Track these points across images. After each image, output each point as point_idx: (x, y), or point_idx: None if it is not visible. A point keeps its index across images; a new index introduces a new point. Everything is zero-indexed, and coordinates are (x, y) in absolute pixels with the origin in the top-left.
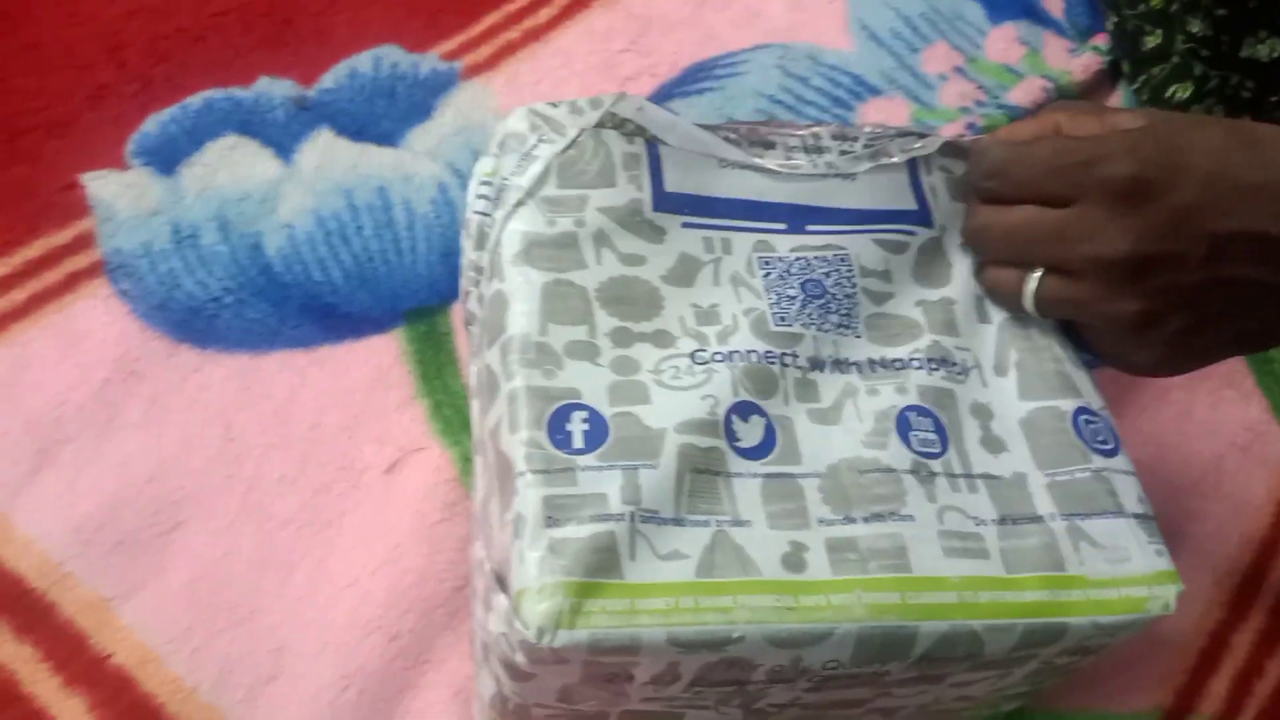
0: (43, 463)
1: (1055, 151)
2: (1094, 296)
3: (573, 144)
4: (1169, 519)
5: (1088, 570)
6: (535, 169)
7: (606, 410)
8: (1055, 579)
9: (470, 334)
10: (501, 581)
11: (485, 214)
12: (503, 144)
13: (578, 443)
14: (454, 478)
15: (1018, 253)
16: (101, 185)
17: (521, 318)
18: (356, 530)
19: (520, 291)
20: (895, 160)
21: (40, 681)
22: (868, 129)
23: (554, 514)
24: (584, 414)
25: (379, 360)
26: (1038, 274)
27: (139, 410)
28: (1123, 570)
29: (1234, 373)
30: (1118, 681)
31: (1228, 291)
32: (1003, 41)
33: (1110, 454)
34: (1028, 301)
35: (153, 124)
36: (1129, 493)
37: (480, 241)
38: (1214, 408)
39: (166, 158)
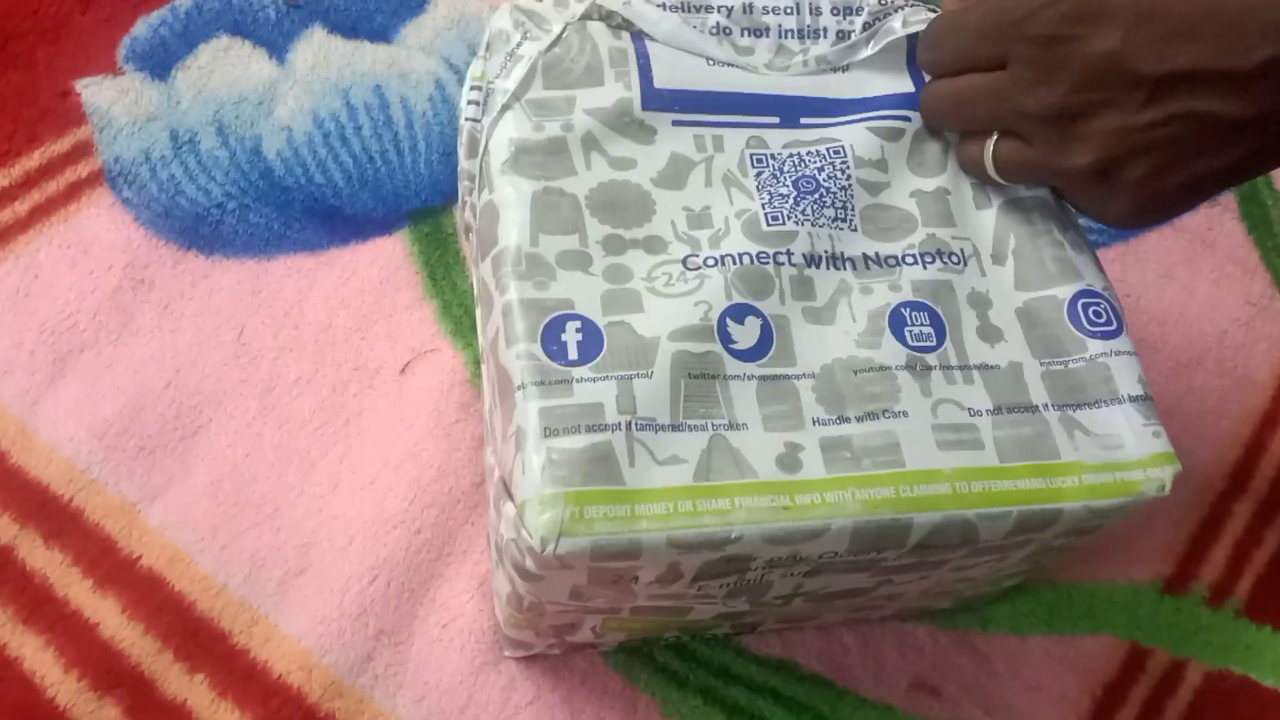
0: (60, 371)
1: (983, 15)
2: (1045, 155)
3: (557, 41)
4: (1172, 395)
5: (1082, 456)
6: (520, 70)
7: (600, 320)
8: (1049, 466)
9: (468, 241)
10: (507, 489)
11: (475, 120)
12: (489, 45)
13: (572, 354)
14: (466, 379)
15: (965, 120)
16: (96, 91)
17: (513, 229)
18: (374, 428)
19: (510, 202)
20: (898, 34)
21: (72, 585)
22: (873, 1)
23: (552, 424)
24: (577, 324)
25: (385, 261)
26: (993, 139)
27: (151, 317)
28: (1117, 455)
29: (1237, 248)
30: (1119, 552)
31: (1183, 129)
32: None
33: (1111, 335)
34: (989, 169)
35: (143, 26)
36: (1127, 375)
37: (472, 149)
38: (1217, 284)
39: (159, 61)
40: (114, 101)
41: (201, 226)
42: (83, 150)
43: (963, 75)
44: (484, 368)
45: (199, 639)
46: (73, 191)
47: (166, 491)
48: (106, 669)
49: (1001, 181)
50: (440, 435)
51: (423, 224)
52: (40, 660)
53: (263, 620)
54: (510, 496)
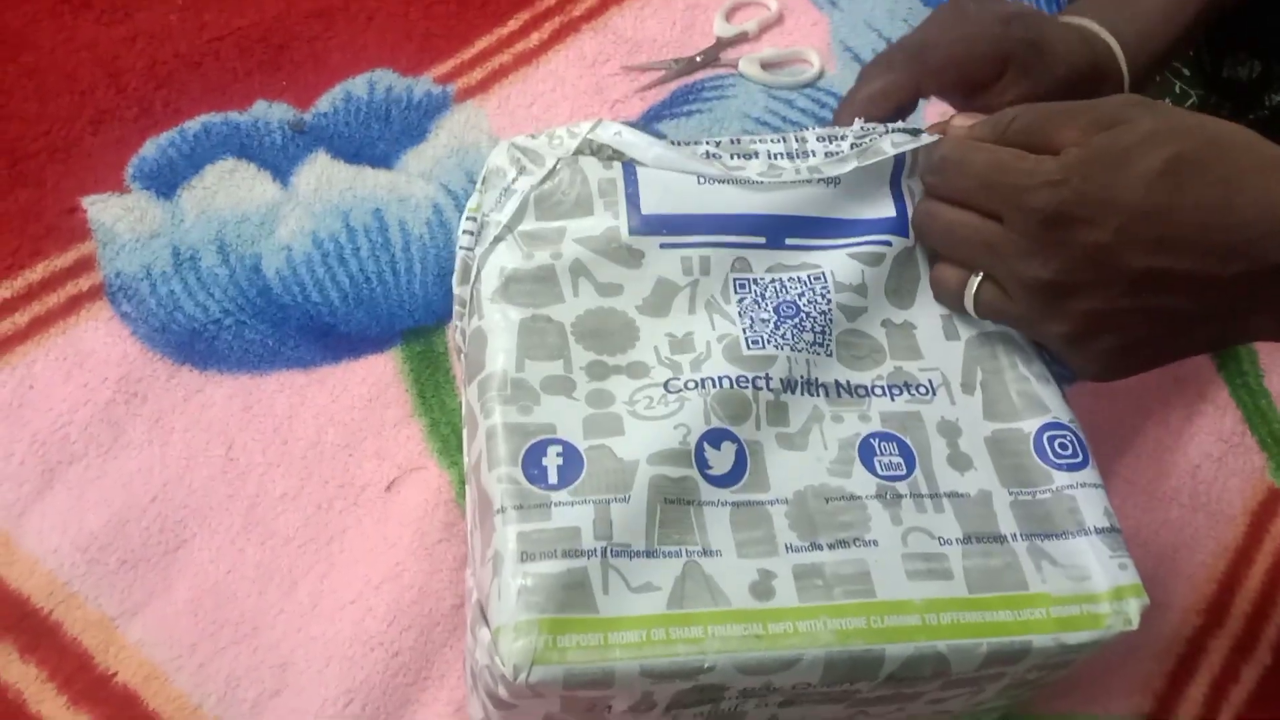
0: (48, 483)
1: (989, 166)
2: (1025, 312)
3: (550, 175)
4: (1147, 528)
5: (1049, 588)
6: (513, 203)
7: (581, 444)
8: (1017, 598)
9: (458, 364)
10: (484, 615)
11: (469, 249)
12: (486, 179)
13: (552, 478)
14: (452, 499)
15: (954, 252)
16: (102, 209)
17: (500, 354)
18: (358, 547)
19: (498, 328)
20: (887, 154)
21: (46, 701)
22: (857, 127)
23: (529, 549)
24: (559, 448)
25: (377, 379)
26: (978, 279)
27: (142, 430)
28: (1084, 587)
29: (1208, 385)
30: (1099, 685)
31: (1155, 318)
32: None
33: (1077, 467)
34: (968, 303)
35: (152, 148)
36: (1093, 508)
37: (464, 276)
38: (1189, 420)
39: (166, 181)
40: (119, 218)
41: (197, 342)
42: (85, 265)
43: (961, 209)
44: (468, 489)
45: None
46: (72, 305)
47: (147, 606)
48: None
49: (974, 316)
50: (423, 555)
51: (415, 343)
52: None
53: None
54: (486, 621)
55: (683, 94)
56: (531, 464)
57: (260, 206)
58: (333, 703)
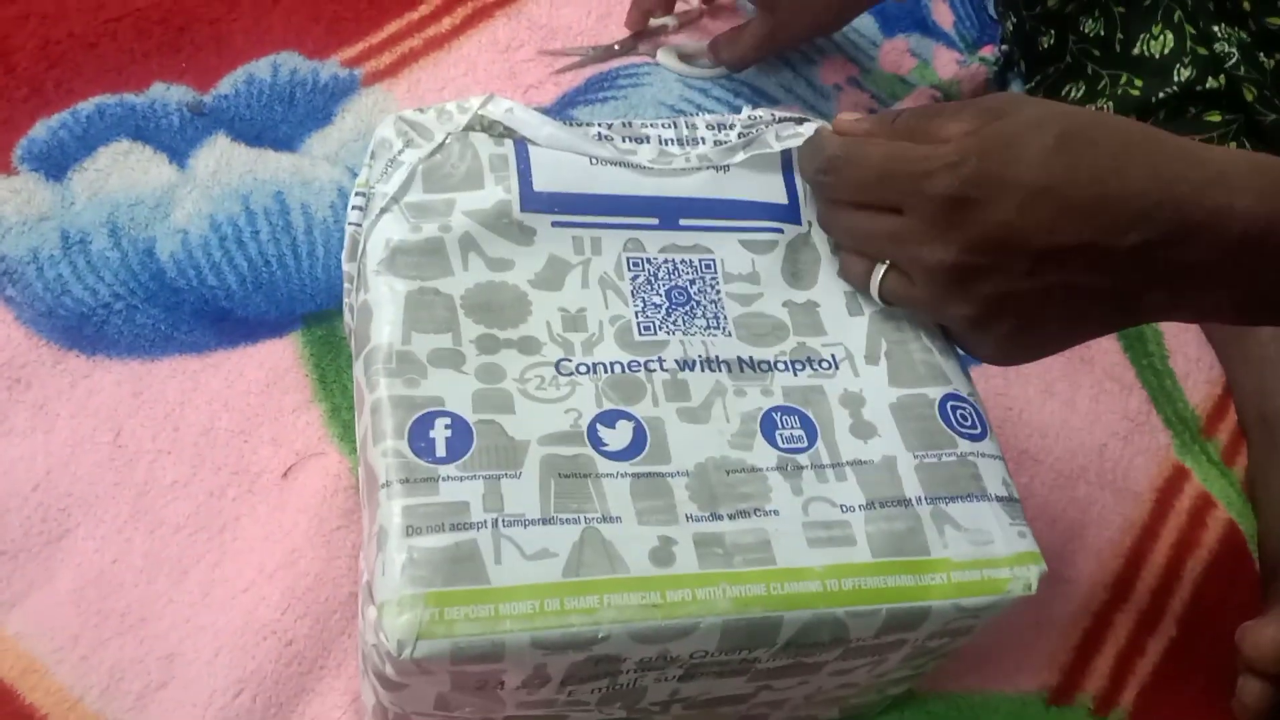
0: None
1: (884, 159)
2: (928, 297)
3: (439, 148)
4: (1055, 505)
5: (951, 553)
6: (400, 175)
7: (470, 417)
8: (918, 563)
9: (351, 344)
10: (370, 593)
11: (357, 225)
12: (374, 153)
13: (440, 451)
14: (351, 485)
15: (857, 246)
16: None
17: (385, 327)
18: (252, 534)
19: (384, 301)
20: (772, 149)
21: None
22: (744, 116)
23: (415, 523)
24: (446, 420)
25: (275, 364)
26: (882, 268)
27: (25, 417)
28: (985, 552)
29: (1115, 366)
30: (1004, 662)
31: (1056, 297)
32: (895, 53)
33: (977, 438)
34: (874, 292)
35: (42, 129)
36: (994, 476)
37: (352, 252)
38: (1096, 400)
39: (56, 163)
40: (5, 201)
41: (85, 327)
42: None
43: (859, 208)
44: (360, 468)
45: None
46: None
47: (27, 598)
48: None
49: (880, 304)
50: (320, 542)
51: (316, 327)
52: None
53: None
54: (372, 599)
55: (598, 81)
56: (419, 437)
57: (155, 189)
58: (222, 693)
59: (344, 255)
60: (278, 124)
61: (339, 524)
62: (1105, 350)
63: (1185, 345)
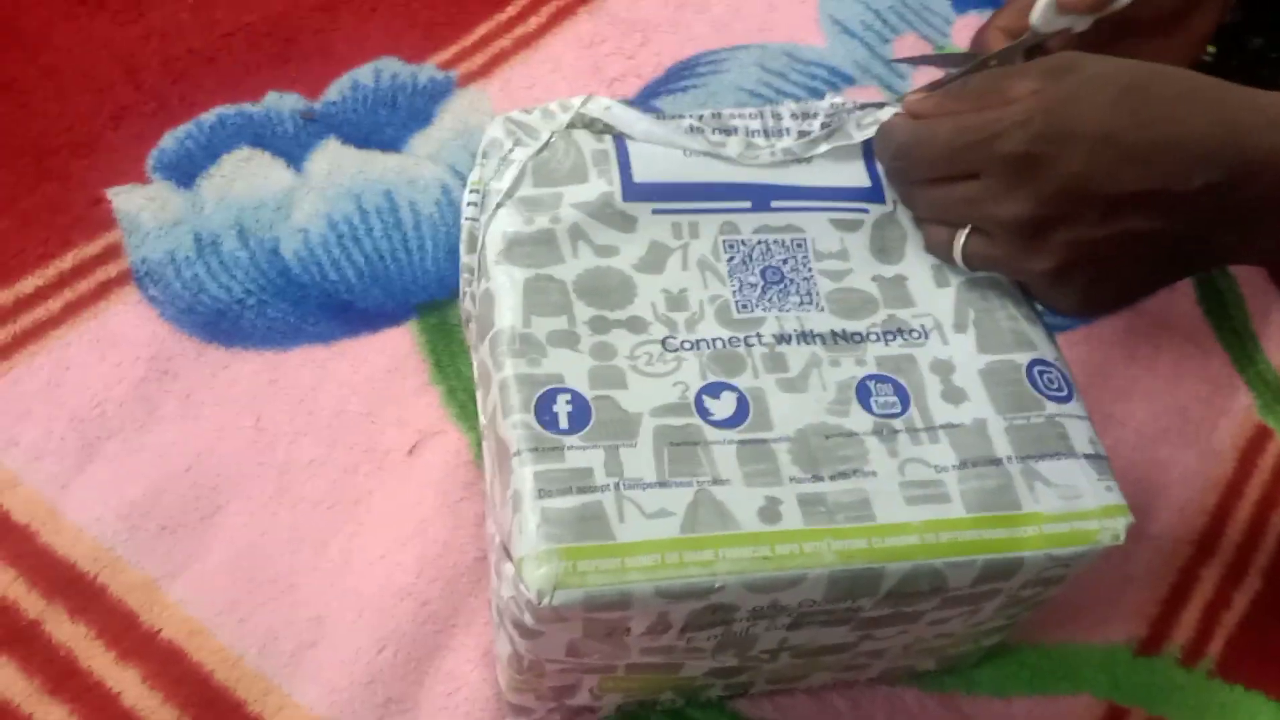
0: (88, 457)
1: (953, 133)
2: (1009, 254)
3: (546, 146)
4: (1139, 467)
5: (1042, 507)
6: (511, 172)
7: (588, 393)
8: (1011, 517)
9: (469, 329)
10: (507, 551)
11: (474, 219)
12: (485, 152)
13: (563, 424)
14: (470, 460)
15: (940, 216)
16: (126, 199)
17: (507, 312)
18: (383, 507)
19: (504, 288)
20: (853, 140)
21: (96, 657)
22: (827, 105)
23: (546, 487)
24: (568, 396)
25: (395, 351)
26: (964, 233)
27: (174, 405)
28: (1075, 506)
29: (1196, 330)
30: (1093, 615)
31: (1129, 243)
32: (968, 29)
33: (1064, 400)
34: (957, 257)
35: (170, 140)
36: (1081, 435)
37: (470, 245)
38: (1178, 363)
39: (185, 171)
40: (142, 208)
41: (222, 321)
42: (112, 253)
43: (935, 184)
44: (484, 444)
45: (216, 708)
46: (102, 290)
47: (187, 569)
48: None
49: (965, 270)
50: (446, 512)
51: (429, 316)
52: None
53: (276, 690)
54: (509, 556)
55: (678, 70)
56: (543, 411)
57: (276, 192)
58: (367, 650)
59: (462, 248)
60: (382, 126)
61: (461, 495)
62: (1186, 314)
63: (1266, 308)
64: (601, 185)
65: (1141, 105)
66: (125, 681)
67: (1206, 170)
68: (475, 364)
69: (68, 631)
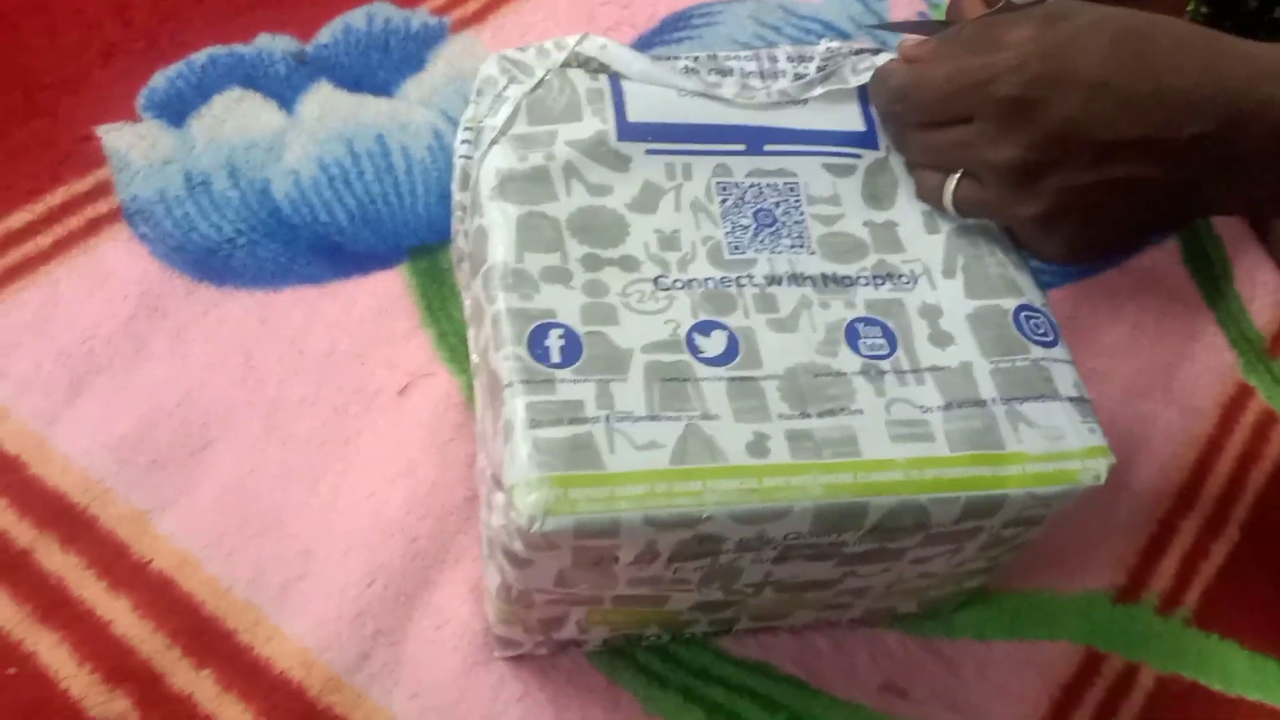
0: (76, 391)
1: (949, 76)
2: (999, 199)
3: (540, 84)
4: (1123, 421)
5: (1025, 447)
6: (506, 109)
7: (580, 329)
8: (994, 456)
9: (460, 270)
10: (498, 481)
11: (468, 156)
12: (479, 90)
13: (555, 357)
14: (461, 403)
15: (933, 161)
16: (116, 137)
17: (500, 247)
18: (373, 446)
19: (498, 224)
20: (849, 85)
21: (87, 586)
22: (823, 48)
23: (537, 417)
24: (560, 331)
25: (385, 293)
26: (955, 178)
27: (164, 342)
28: (1057, 446)
29: (1182, 288)
30: (1073, 564)
31: (1119, 190)
32: None
33: (1050, 345)
34: (947, 202)
35: (160, 79)
36: (1065, 379)
37: (464, 182)
38: (1163, 320)
39: (176, 110)
40: (132, 146)
41: (213, 260)
42: (102, 190)
43: (930, 128)
44: (476, 381)
45: (205, 637)
46: (92, 227)
47: (176, 502)
48: (118, 664)
49: (954, 214)
50: (435, 453)
51: (420, 260)
52: (55, 655)
53: (266, 621)
54: (500, 486)
55: (672, 22)
56: (536, 344)
57: (267, 133)
58: (355, 584)
59: (455, 185)
60: (375, 70)
61: (451, 437)
62: (1172, 273)
63: (1252, 269)
64: (596, 124)
65: (1136, 53)
66: (116, 610)
67: (1197, 120)
68: (467, 301)
69: (59, 561)
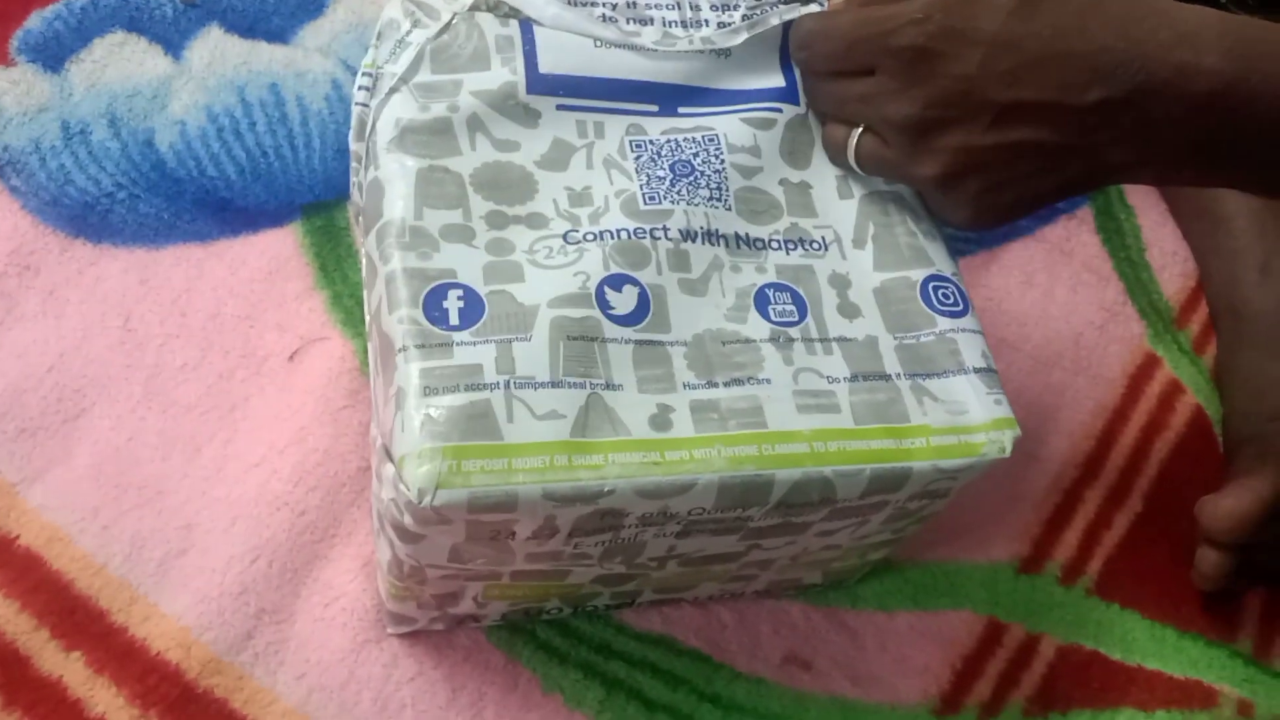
0: None
1: (852, 25)
2: (899, 157)
3: (446, 28)
4: (1031, 391)
5: (930, 420)
6: (408, 55)
7: (482, 289)
8: (899, 429)
9: (357, 226)
10: (388, 452)
11: (365, 104)
12: (380, 34)
13: (453, 320)
14: (356, 368)
15: (837, 112)
16: None
17: (398, 202)
18: (261, 414)
19: (395, 177)
20: (773, 24)
21: None
22: None
23: (431, 384)
24: (459, 292)
25: (276, 253)
26: (857, 132)
27: (36, 303)
28: (962, 420)
29: (1093, 258)
30: (978, 534)
31: (1019, 153)
32: None
33: (958, 315)
34: (851, 158)
35: (37, 20)
36: (973, 349)
37: (360, 132)
38: (1074, 290)
39: (53, 54)
40: (4, 92)
41: (90, 215)
42: None
43: (837, 77)
44: (370, 341)
45: (75, 617)
46: None
47: (47, 473)
48: None
49: (859, 172)
50: (327, 421)
51: (315, 217)
52: None
53: (142, 599)
54: (389, 458)
55: None
56: (432, 307)
57: (152, 80)
58: (239, 559)
59: (351, 135)
60: (269, 15)
61: (345, 404)
62: (1084, 243)
63: (1162, 239)
64: (505, 74)
65: (1043, 12)
66: None
67: (1104, 85)
68: (363, 257)
69: None
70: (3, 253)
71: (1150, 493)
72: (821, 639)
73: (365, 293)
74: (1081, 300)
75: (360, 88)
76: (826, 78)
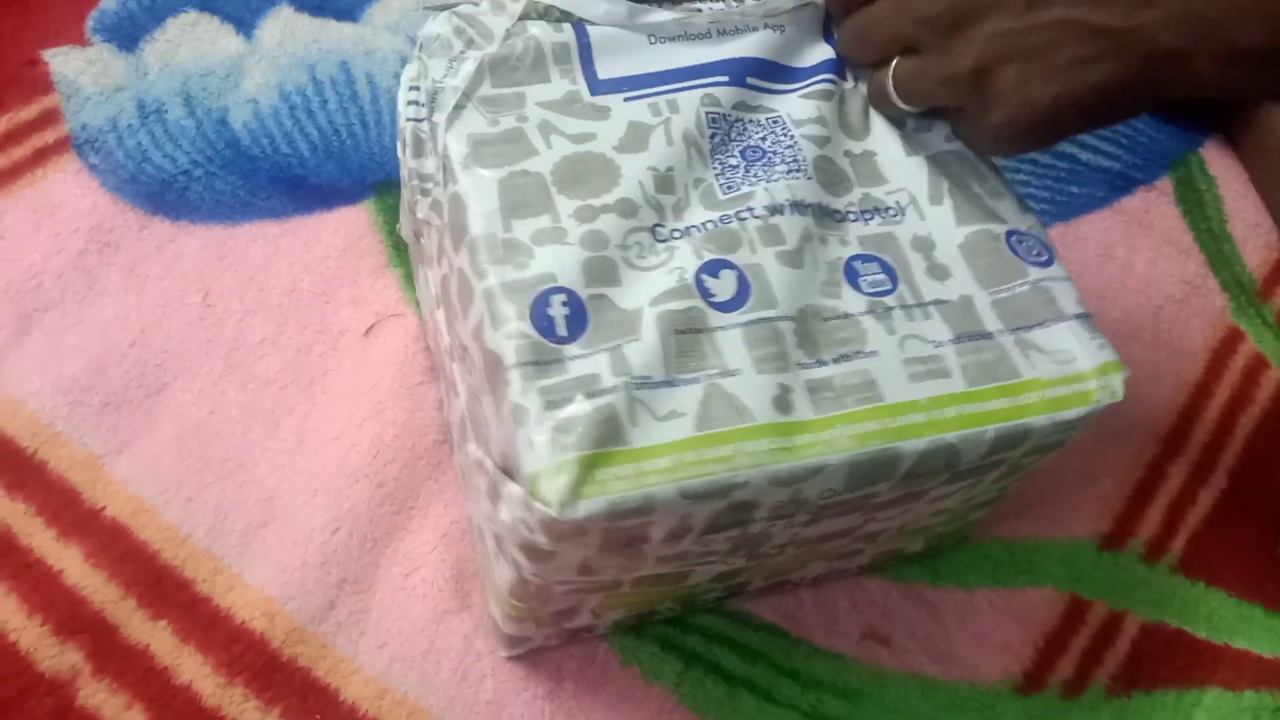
0: (25, 329)
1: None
2: (934, 61)
3: (500, 45)
4: None
5: (1040, 373)
6: (468, 69)
7: (583, 292)
8: (1012, 386)
9: (420, 245)
10: (509, 472)
11: (418, 120)
12: (426, 48)
13: (561, 330)
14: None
15: (871, 44)
16: (64, 61)
17: (481, 218)
18: (338, 388)
19: (476, 192)
20: None
21: (36, 534)
22: None
23: (552, 397)
24: (563, 297)
25: (350, 230)
26: (894, 64)
27: (117, 278)
28: (1071, 369)
29: (1173, 230)
30: (1059, 510)
31: (1059, 34)
32: None
33: (1045, 264)
34: (892, 93)
35: (111, 1)
36: (1068, 296)
37: (418, 149)
38: (1154, 263)
39: (128, 34)
40: (81, 71)
41: (168, 193)
42: (50, 118)
43: (864, 7)
44: (453, 366)
45: (162, 587)
46: (39, 157)
47: (131, 446)
48: (69, 615)
49: (903, 106)
50: (404, 395)
51: (387, 195)
52: (3, 606)
53: (226, 570)
54: (512, 477)
55: None
56: (539, 317)
57: (224, 59)
58: (321, 530)
59: (407, 151)
60: None
61: (420, 379)
62: (1163, 214)
63: (1245, 210)
64: (565, 85)
65: None
66: (66, 559)
67: None
68: (430, 279)
69: (4, 508)
70: (83, 229)
71: (1235, 469)
72: (900, 615)
73: (436, 314)
74: (1161, 273)
75: (410, 103)
76: (857, 6)
